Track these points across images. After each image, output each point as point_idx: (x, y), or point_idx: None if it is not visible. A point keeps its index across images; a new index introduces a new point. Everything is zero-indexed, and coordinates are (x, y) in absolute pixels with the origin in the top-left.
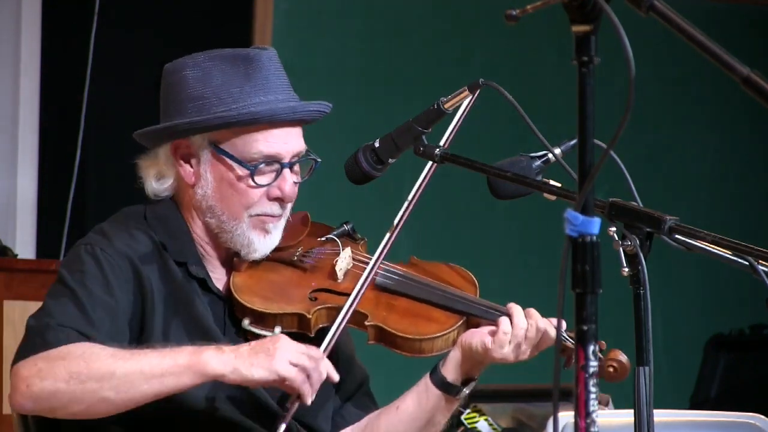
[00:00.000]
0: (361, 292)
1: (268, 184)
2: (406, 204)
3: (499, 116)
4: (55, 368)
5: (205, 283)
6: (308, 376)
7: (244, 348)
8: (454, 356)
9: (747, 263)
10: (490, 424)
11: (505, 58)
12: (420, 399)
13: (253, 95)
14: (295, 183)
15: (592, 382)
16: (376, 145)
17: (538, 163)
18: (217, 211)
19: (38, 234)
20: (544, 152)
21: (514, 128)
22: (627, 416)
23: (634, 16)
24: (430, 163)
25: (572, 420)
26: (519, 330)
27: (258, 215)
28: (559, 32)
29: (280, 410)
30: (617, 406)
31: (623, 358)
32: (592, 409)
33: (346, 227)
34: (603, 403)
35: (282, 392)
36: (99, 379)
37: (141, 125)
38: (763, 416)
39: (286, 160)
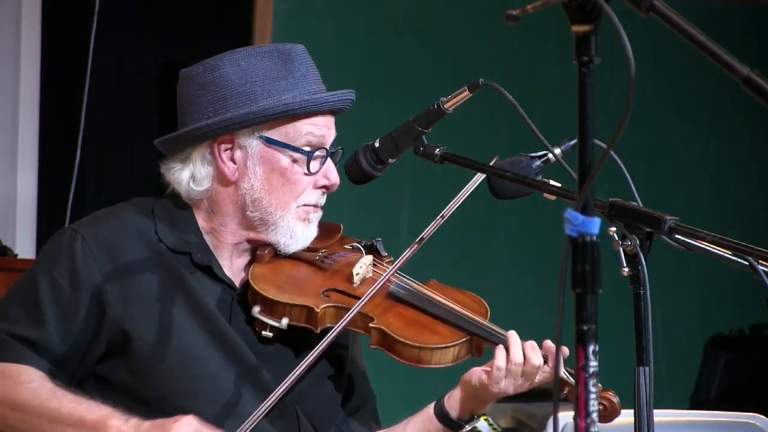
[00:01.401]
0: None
1: (317, 172)
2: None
3: (499, 116)
4: None
5: (210, 270)
6: None
7: (147, 424)
8: (457, 394)
9: (747, 263)
10: (490, 424)
11: (505, 58)
12: (422, 429)
13: (298, 86)
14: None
15: (592, 382)
16: (376, 145)
17: (538, 163)
18: (264, 203)
19: (38, 234)
20: (544, 152)
21: (514, 128)
22: (627, 416)
23: (634, 16)
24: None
25: (572, 420)
26: (514, 366)
27: (304, 205)
28: (559, 32)
29: None
30: None
31: (615, 399)
32: (592, 409)
33: (374, 242)
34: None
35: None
36: (13, 407)
37: (141, 125)
38: (763, 416)
39: (329, 147)
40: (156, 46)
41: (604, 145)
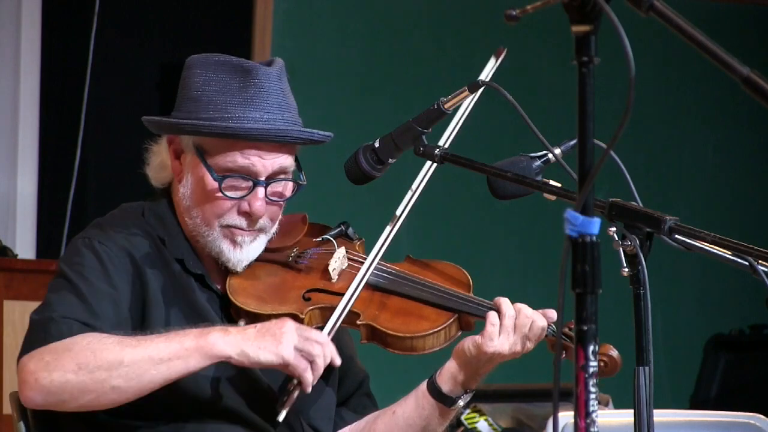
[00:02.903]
0: (357, 291)
1: (238, 198)
2: (402, 205)
3: (499, 116)
4: (63, 360)
5: (203, 279)
6: (311, 363)
7: (251, 330)
8: (450, 367)
9: (747, 263)
10: (490, 424)
11: (505, 58)
12: (416, 406)
13: (243, 109)
14: (269, 201)
15: (592, 382)
16: (376, 145)
17: (538, 163)
18: (193, 213)
19: (38, 234)
20: (544, 152)
21: (514, 128)
22: (627, 416)
23: (634, 16)
24: (428, 164)
25: (572, 420)
26: (507, 319)
27: (228, 226)
28: (559, 32)
29: (281, 397)
30: (617, 406)
31: (614, 353)
32: (592, 409)
33: (342, 228)
34: (603, 403)
35: (284, 378)
36: (108, 368)
37: (141, 125)
38: (763, 416)
39: (261, 178)
40: (156, 45)
41: (604, 145)
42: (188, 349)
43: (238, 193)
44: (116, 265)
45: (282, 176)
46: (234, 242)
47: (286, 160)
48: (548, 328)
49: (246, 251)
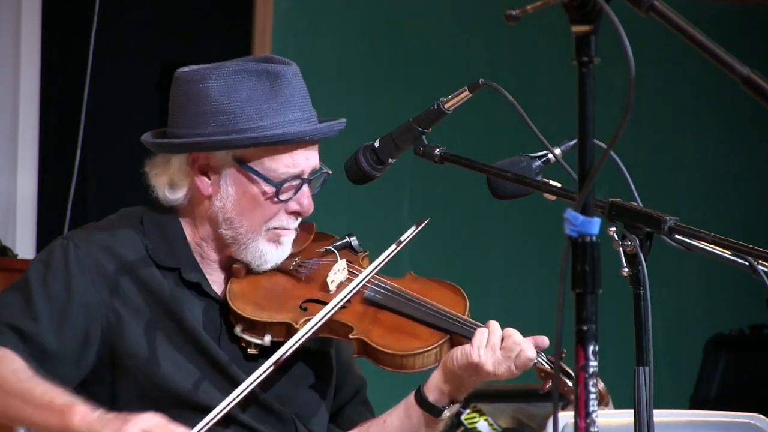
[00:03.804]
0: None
1: (288, 199)
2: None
3: (499, 116)
4: None
5: (200, 287)
6: None
7: (111, 415)
8: (436, 376)
9: (747, 263)
10: (490, 424)
11: (505, 58)
12: (404, 415)
13: (280, 113)
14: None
15: (592, 382)
16: (376, 145)
17: (538, 163)
18: (235, 224)
19: (38, 234)
20: (544, 152)
21: (514, 128)
22: (627, 416)
23: (634, 16)
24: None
25: (572, 420)
26: (493, 336)
27: (275, 228)
28: (559, 32)
29: None
30: (617, 406)
31: (600, 386)
32: (592, 409)
33: (348, 239)
34: (603, 404)
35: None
36: None
37: (141, 125)
38: (763, 416)
39: (306, 176)
40: (156, 45)
41: (604, 145)
42: (54, 408)
43: (289, 195)
44: (84, 272)
45: (316, 170)
46: (278, 243)
47: (317, 154)
48: (537, 356)
49: (286, 248)
